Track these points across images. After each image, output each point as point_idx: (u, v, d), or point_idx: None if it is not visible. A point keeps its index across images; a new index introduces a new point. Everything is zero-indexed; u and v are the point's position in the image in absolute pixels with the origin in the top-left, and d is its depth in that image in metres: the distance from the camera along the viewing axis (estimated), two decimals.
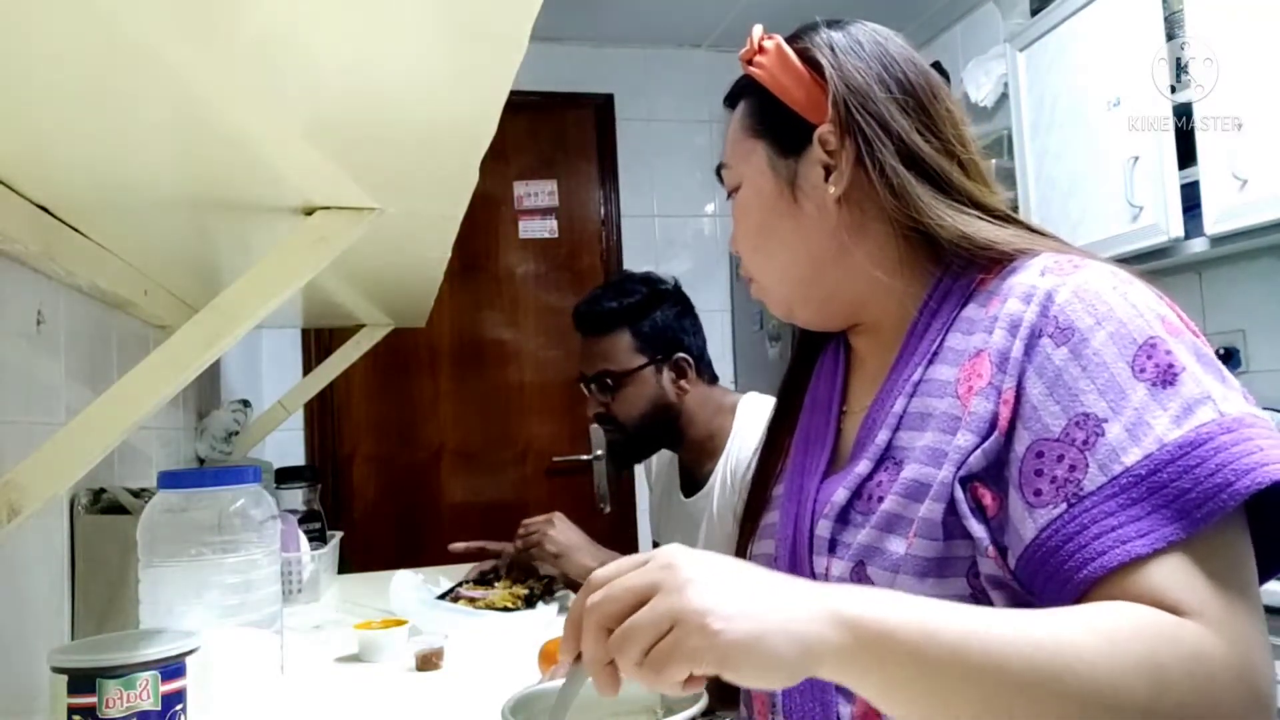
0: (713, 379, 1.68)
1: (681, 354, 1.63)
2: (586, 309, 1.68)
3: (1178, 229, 2.06)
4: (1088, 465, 0.59)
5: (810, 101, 0.77)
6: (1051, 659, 0.52)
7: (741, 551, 0.85)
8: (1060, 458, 0.60)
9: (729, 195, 0.84)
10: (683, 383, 1.62)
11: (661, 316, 1.64)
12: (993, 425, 0.64)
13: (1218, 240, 2.00)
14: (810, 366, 0.88)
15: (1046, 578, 0.59)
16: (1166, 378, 0.60)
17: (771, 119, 0.80)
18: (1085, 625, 0.54)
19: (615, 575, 0.54)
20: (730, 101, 0.85)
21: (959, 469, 0.64)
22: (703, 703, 0.64)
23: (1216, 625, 0.54)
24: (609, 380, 1.62)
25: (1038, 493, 0.60)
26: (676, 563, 0.53)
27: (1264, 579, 0.61)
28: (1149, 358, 0.61)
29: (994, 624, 0.54)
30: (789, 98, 0.78)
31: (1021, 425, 0.63)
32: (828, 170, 0.77)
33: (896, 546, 0.66)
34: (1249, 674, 0.53)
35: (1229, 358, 2.27)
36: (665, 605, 0.51)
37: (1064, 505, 0.59)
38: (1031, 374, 0.64)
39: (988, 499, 0.63)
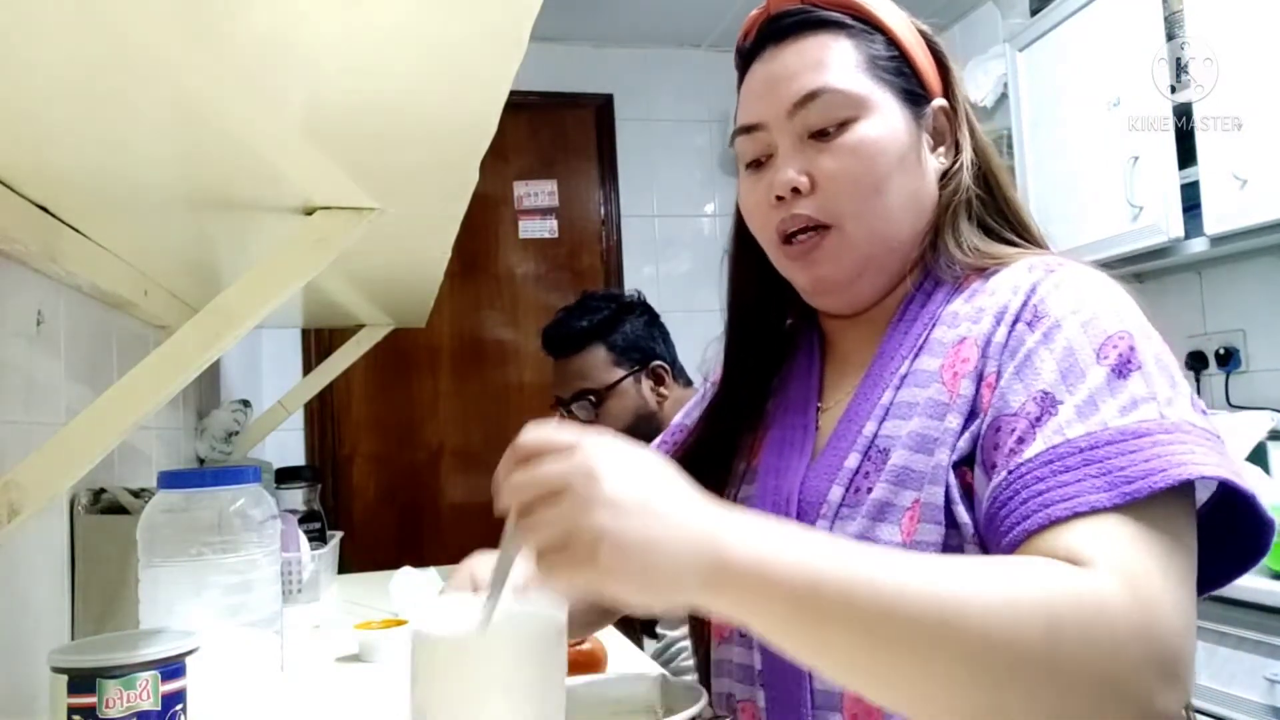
0: (688, 383, 1.70)
1: (657, 361, 1.64)
2: (556, 331, 1.69)
3: (1178, 229, 2.07)
4: (1035, 438, 0.59)
5: (930, 71, 0.79)
6: (941, 607, 0.51)
7: None
8: (1013, 430, 0.61)
9: (824, 132, 0.74)
10: (661, 389, 1.63)
11: (631, 328, 1.66)
12: (975, 408, 0.66)
13: (1218, 240, 2.00)
14: (753, 362, 0.86)
15: (992, 546, 0.60)
16: (1123, 370, 0.60)
17: (896, 70, 0.76)
18: (982, 573, 0.54)
19: (541, 448, 0.53)
20: (801, 26, 0.77)
21: (952, 452, 0.65)
22: (703, 702, 0.65)
23: (1127, 582, 0.52)
24: (591, 399, 1.62)
25: (993, 465, 0.62)
26: (595, 472, 0.51)
27: (1218, 585, 0.62)
28: (1114, 347, 0.62)
29: (886, 571, 0.53)
30: (915, 58, 0.78)
31: (991, 406, 0.64)
32: (933, 144, 0.78)
33: (889, 534, 0.66)
34: (1153, 632, 0.52)
35: (1228, 358, 2.27)
36: (565, 517, 0.51)
37: (1005, 473, 0.60)
38: (1006, 357, 0.65)
39: (972, 482, 0.65)
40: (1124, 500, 0.55)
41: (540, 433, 0.54)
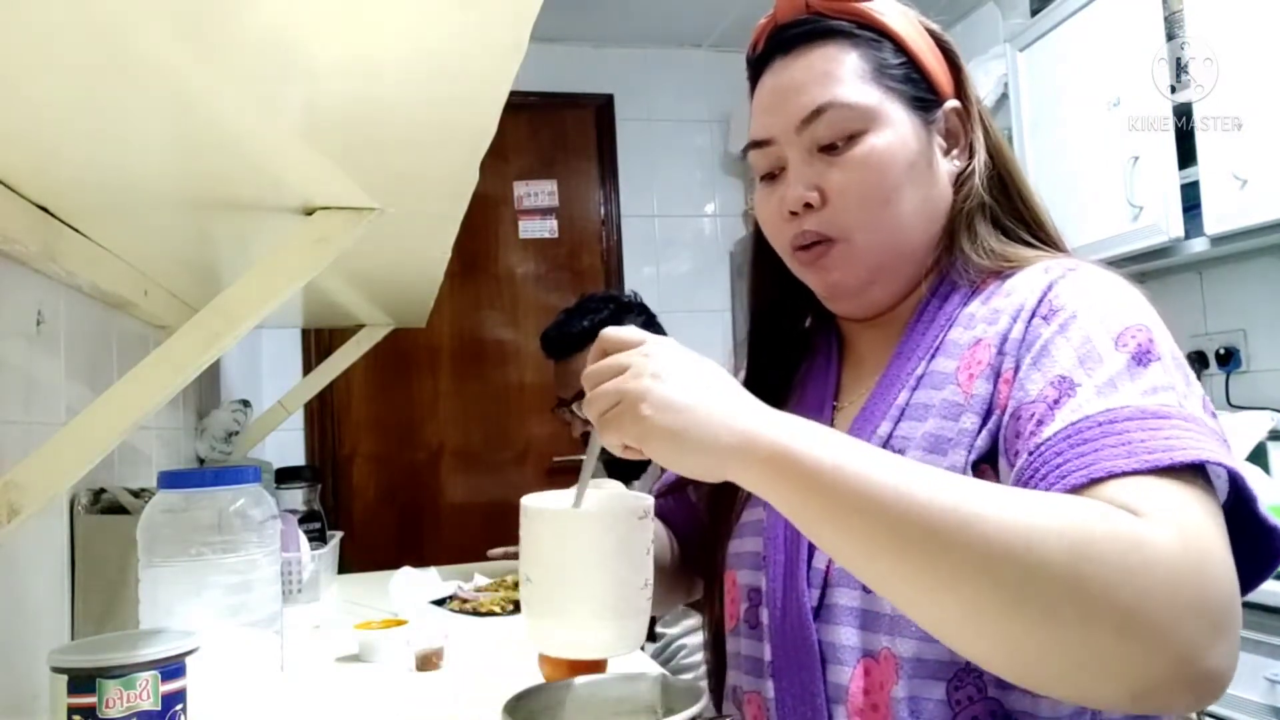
0: None
1: None
2: (557, 333, 1.70)
3: (1178, 229, 2.07)
4: (1054, 419, 0.59)
5: (941, 74, 0.78)
6: (961, 508, 0.52)
7: (717, 552, 0.83)
8: (1032, 416, 0.61)
9: (833, 146, 0.74)
10: None
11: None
12: (992, 406, 0.66)
13: (1218, 240, 2.00)
14: (774, 363, 0.87)
15: None
16: (1143, 359, 0.61)
17: (905, 77, 0.76)
18: (1015, 492, 0.54)
19: (618, 344, 0.63)
20: (809, 36, 0.76)
21: (970, 452, 0.65)
22: (703, 702, 0.64)
23: (1179, 530, 0.51)
24: None
25: (1016, 453, 0.62)
26: (654, 354, 0.60)
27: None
28: (1133, 336, 0.62)
29: (912, 471, 0.55)
30: (925, 62, 0.77)
31: (1010, 398, 0.64)
32: (946, 147, 0.78)
33: None
34: (1202, 581, 0.50)
35: (1229, 358, 2.27)
36: (620, 384, 0.59)
37: (1026, 455, 0.60)
38: (1023, 351, 0.65)
39: (992, 480, 0.64)
40: (1144, 466, 0.54)
41: (618, 330, 0.64)
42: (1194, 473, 0.56)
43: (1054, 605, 0.50)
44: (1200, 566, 0.51)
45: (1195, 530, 0.52)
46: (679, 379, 0.59)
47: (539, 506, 0.68)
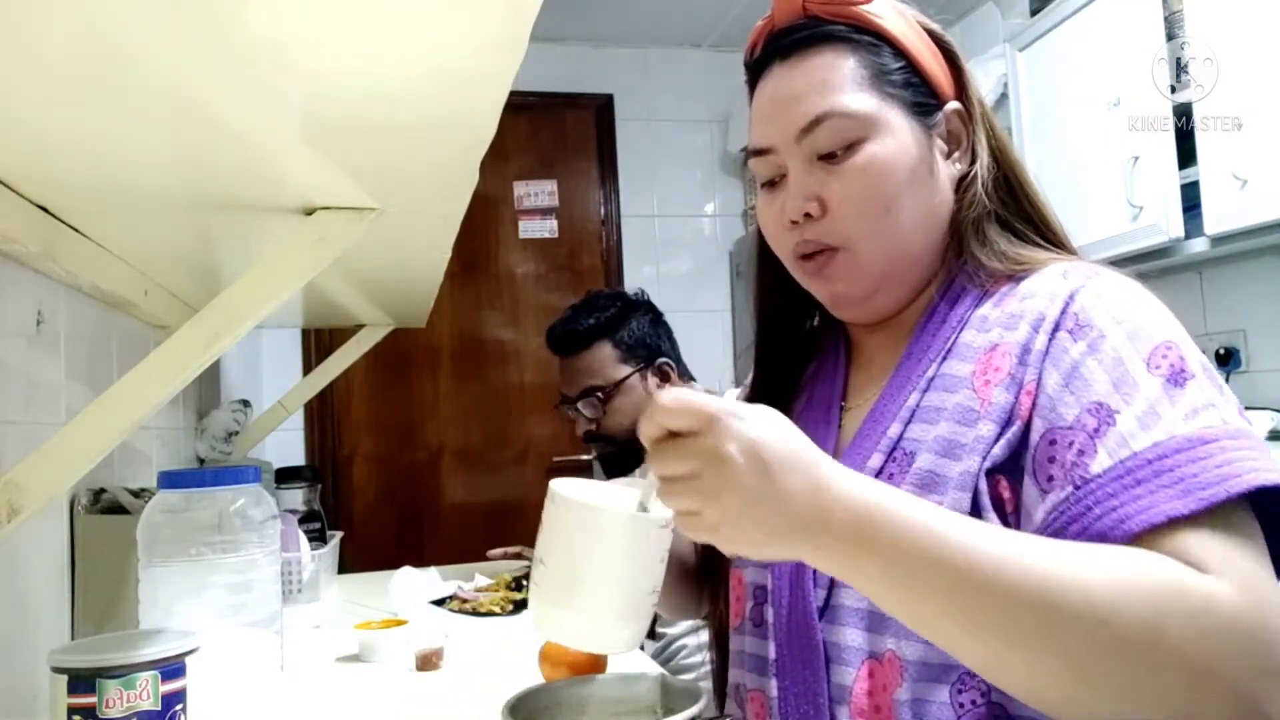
0: (691, 381, 1.72)
1: (663, 359, 1.65)
2: (563, 329, 1.70)
3: (1178, 229, 2.07)
4: (1096, 450, 0.59)
5: (942, 76, 0.77)
6: (1041, 584, 0.53)
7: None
8: (1071, 444, 0.61)
9: (833, 154, 0.73)
10: (667, 386, 1.63)
11: (638, 325, 1.67)
12: (1012, 416, 0.65)
13: (1218, 240, 2.00)
14: (781, 365, 0.87)
15: None
16: (1178, 379, 0.61)
17: (904, 82, 0.75)
18: (1088, 558, 0.55)
19: (677, 409, 0.56)
20: (807, 42, 0.75)
21: (984, 459, 0.64)
22: (703, 702, 0.65)
23: (1237, 582, 0.53)
24: (598, 395, 1.63)
25: (1050, 478, 0.61)
26: (723, 457, 0.54)
27: None
28: (1164, 356, 0.62)
29: (991, 542, 0.55)
30: (925, 65, 0.76)
31: (1037, 415, 0.64)
32: (947, 150, 0.77)
33: None
34: (1266, 634, 0.52)
35: (1229, 358, 2.27)
36: (696, 500, 0.56)
37: (1070, 488, 0.60)
38: (1049, 366, 0.65)
39: (1006, 493, 0.64)
40: (1200, 506, 0.55)
41: (679, 401, 0.56)
42: (1244, 499, 0.56)
43: (1133, 675, 0.52)
44: (1266, 622, 0.52)
45: (1257, 581, 0.54)
46: (750, 488, 0.55)
47: (570, 496, 0.67)
